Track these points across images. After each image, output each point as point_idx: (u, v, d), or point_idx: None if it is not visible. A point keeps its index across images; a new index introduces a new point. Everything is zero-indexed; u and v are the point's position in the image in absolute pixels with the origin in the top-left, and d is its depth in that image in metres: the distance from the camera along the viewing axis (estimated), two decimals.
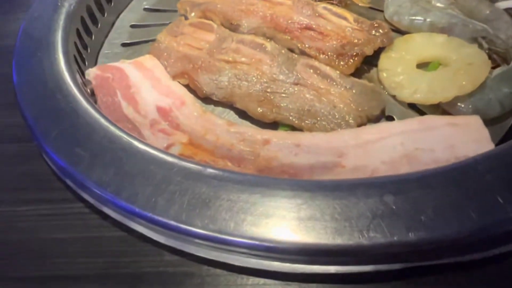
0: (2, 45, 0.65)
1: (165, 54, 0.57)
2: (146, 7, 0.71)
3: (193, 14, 0.63)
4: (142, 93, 0.52)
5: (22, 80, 0.50)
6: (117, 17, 0.69)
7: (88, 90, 0.52)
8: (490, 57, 0.53)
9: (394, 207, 0.33)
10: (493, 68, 0.53)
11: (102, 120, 0.43)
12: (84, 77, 0.53)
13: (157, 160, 0.38)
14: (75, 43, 0.55)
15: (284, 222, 0.34)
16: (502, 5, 0.58)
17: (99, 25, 0.64)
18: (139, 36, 0.66)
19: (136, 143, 0.40)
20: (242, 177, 0.37)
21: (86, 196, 0.41)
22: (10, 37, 0.60)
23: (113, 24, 0.68)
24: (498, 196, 0.33)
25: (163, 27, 0.64)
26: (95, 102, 0.51)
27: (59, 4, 0.56)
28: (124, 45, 0.65)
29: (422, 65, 0.53)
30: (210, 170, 0.37)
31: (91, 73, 0.53)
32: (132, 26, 0.68)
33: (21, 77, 0.50)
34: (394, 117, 0.50)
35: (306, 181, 0.39)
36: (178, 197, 0.36)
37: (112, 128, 0.42)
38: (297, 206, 0.34)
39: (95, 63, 0.61)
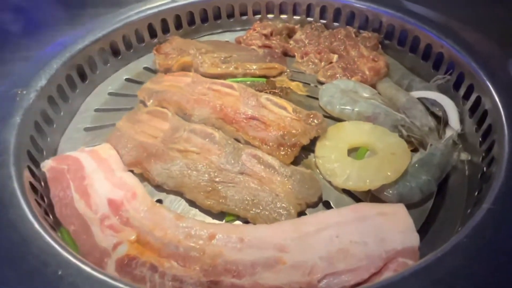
0: None
1: (123, 141, 0.50)
2: (110, 91, 0.64)
3: (151, 101, 0.57)
4: (95, 185, 0.44)
5: None
6: (83, 101, 0.62)
7: (42, 184, 0.44)
8: (409, 142, 0.51)
9: None
10: (413, 151, 0.51)
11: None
12: (38, 170, 0.45)
13: None
14: (31, 136, 0.47)
15: None
16: (415, 94, 0.56)
17: (62, 112, 0.56)
18: (102, 120, 0.58)
19: None
20: None
21: None
22: None
23: (78, 108, 0.60)
24: None
25: (124, 111, 0.58)
26: (48, 195, 0.43)
27: (18, 99, 0.48)
28: (86, 129, 0.57)
29: (354, 149, 0.50)
30: None
31: (46, 165, 0.45)
32: (96, 110, 0.61)
33: None
34: (331, 202, 0.45)
35: None
36: None
37: None
38: None
39: (56, 149, 0.53)
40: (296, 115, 0.51)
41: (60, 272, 0.29)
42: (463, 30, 0.56)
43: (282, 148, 0.47)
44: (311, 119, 0.50)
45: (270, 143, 0.47)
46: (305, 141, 0.47)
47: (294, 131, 0.48)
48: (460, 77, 0.54)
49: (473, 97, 0.51)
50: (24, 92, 0.51)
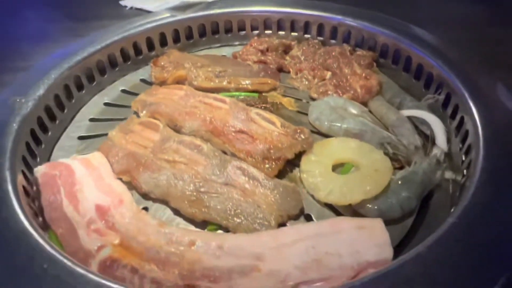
0: None
1: (114, 150, 0.56)
2: (106, 101, 0.70)
3: (144, 112, 0.63)
4: (85, 191, 0.49)
5: None
6: (78, 111, 0.68)
7: (34, 188, 0.49)
8: (397, 160, 0.55)
9: None
10: (399, 168, 0.55)
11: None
12: (31, 175, 0.51)
13: None
14: (27, 143, 0.53)
15: None
16: (405, 113, 0.61)
17: (58, 121, 0.62)
18: (95, 130, 0.64)
19: None
20: None
21: None
22: None
23: (73, 117, 0.66)
24: None
25: (118, 122, 0.63)
26: (39, 199, 0.48)
27: (16, 107, 0.54)
28: (80, 138, 0.63)
29: (340, 165, 0.54)
30: None
31: (39, 171, 0.51)
32: (91, 120, 0.66)
33: None
34: (312, 215, 0.49)
35: None
36: None
37: None
38: None
39: (50, 156, 0.59)
40: (283, 130, 0.56)
41: (45, 266, 0.34)
42: (453, 52, 0.61)
43: (267, 161, 0.51)
44: (298, 134, 0.55)
45: (256, 156, 0.52)
46: (290, 155, 0.52)
47: (280, 145, 0.53)
48: (448, 97, 0.59)
49: (458, 117, 0.55)
50: (23, 100, 0.57)
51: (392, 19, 0.73)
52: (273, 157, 0.52)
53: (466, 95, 0.52)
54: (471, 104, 0.51)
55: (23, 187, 0.47)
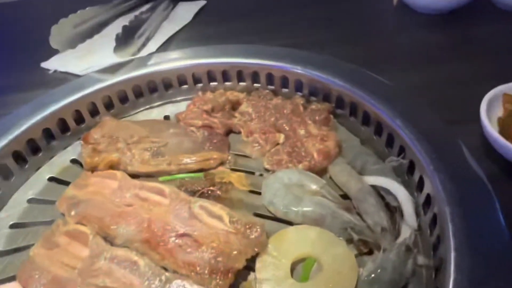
0: None
1: (35, 276, 0.50)
2: (30, 197, 0.64)
3: (72, 213, 0.57)
4: None
5: None
6: None
7: None
8: (364, 242, 0.51)
9: None
10: (367, 253, 0.52)
11: None
12: None
13: None
14: None
15: None
16: (369, 180, 0.58)
17: None
18: (16, 241, 0.57)
19: None
20: None
21: None
22: None
23: None
24: None
25: (44, 226, 0.58)
26: None
27: None
28: None
29: (301, 259, 0.50)
30: None
31: None
32: (11, 227, 0.60)
33: None
34: None
35: None
36: None
37: None
38: None
39: None
40: (233, 227, 0.51)
41: None
42: (416, 111, 0.59)
43: (214, 276, 0.47)
44: (250, 231, 0.51)
45: (201, 270, 0.47)
46: (240, 265, 0.48)
47: (228, 250, 0.49)
48: (412, 165, 0.56)
49: (424, 192, 0.53)
50: None
51: (344, 65, 0.70)
52: (222, 269, 0.47)
53: (433, 172, 0.49)
54: (439, 186, 0.48)
55: None
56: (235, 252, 0.48)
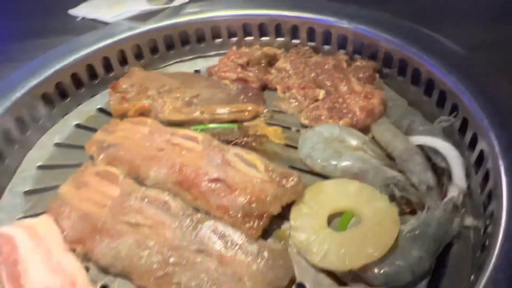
0: None
1: (65, 212, 0.54)
2: (57, 141, 0.69)
3: (101, 156, 0.62)
4: (30, 271, 0.48)
5: None
6: (24, 156, 0.66)
7: None
8: (405, 202, 0.53)
9: None
10: (410, 213, 0.53)
11: None
12: None
13: None
14: None
15: None
16: (415, 140, 0.59)
17: None
18: (45, 181, 0.62)
19: None
20: None
21: None
22: None
23: (17, 166, 0.65)
24: None
25: (72, 168, 0.62)
26: None
27: None
28: (26, 193, 0.61)
29: (338, 213, 0.53)
30: None
31: None
32: (39, 168, 0.65)
33: None
34: (306, 285, 0.48)
35: None
36: None
37: None
38: None
39: None
40: (267, 175, 0.54)
41: None
42: (472, 66, 0.59)
43: (248, 219, 0.50)
44: (285, 180, 0.53)
45: (234, 214, 0.50)
46: (275, 210, 0.50)
47: (263, 196, 0.52)
48: (465, 122, 0.57)
49: (477, 149, 0.54)
50: None
51: (395, 20, 0.71)
52: (256, 214, 0.50)
53: (488, 126, 0.51)
54: (493, 139, 0.49)
55: None
56: (270, 197, 0.51)
